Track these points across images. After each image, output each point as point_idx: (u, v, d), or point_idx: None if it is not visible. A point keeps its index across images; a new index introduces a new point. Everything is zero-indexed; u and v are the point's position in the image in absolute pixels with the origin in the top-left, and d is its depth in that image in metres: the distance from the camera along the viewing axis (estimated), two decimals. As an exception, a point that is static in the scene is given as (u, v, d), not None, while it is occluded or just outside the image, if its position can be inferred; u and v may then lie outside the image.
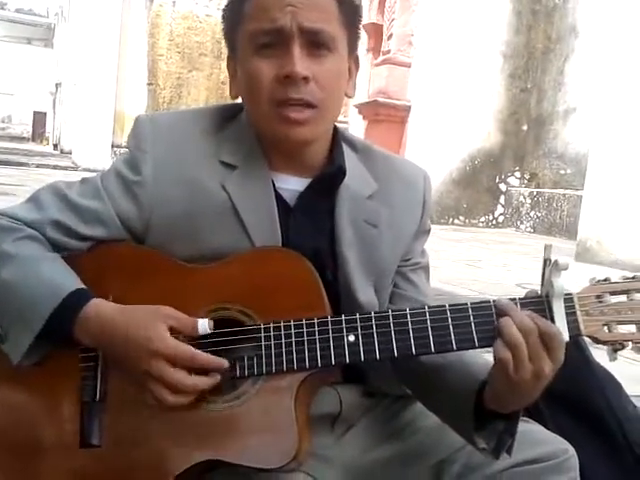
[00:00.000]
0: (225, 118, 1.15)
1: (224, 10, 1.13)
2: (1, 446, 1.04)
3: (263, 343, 0.99)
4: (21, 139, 32.37)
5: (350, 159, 1.15)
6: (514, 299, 0.99)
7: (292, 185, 1.12)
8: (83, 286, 1.02)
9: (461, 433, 1.05)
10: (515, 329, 0.93)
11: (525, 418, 1.13)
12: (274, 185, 1.11)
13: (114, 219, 1.08)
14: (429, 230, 1.24)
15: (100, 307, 1.00)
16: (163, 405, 0.96)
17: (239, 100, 1.14)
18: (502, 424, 1.00)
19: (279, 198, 1.10)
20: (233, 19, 1.10)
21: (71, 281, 1.02)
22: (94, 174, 1.19)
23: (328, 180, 1.12)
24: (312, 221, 1.12)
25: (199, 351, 0.97)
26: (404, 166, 1.23)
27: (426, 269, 1.24)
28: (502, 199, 10.68)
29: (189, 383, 0.96)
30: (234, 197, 1.08)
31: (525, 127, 10.69)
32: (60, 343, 1.01)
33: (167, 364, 0.95)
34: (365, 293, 1.12)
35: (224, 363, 0.98)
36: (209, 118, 1.15)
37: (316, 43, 1.04)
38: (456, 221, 10.39)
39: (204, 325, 0.98)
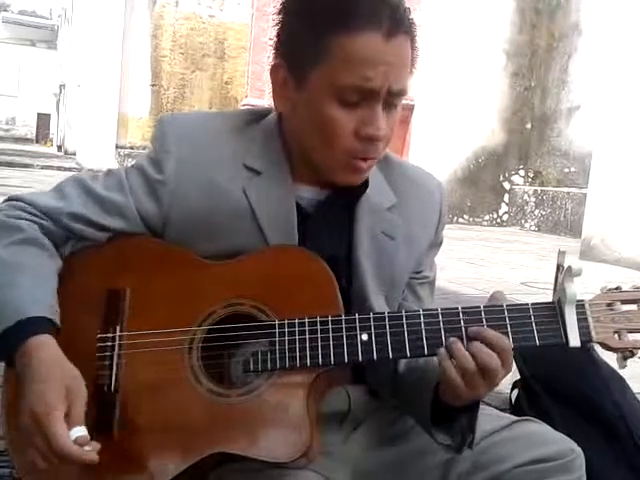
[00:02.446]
0: (249, 122, 1.15)
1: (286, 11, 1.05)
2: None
3: (277, 339, 1.01)
4: (25, 140, 32.43)
5: (371, 171, 1.15)
6: (526, 305, 1.00)
7: (312, 195, 1.13)
8: (46, 314, 0.98)
9: (426, 430, 1.07)
10: (466, 355, 0.95)
11: (532, 418, 1.15)
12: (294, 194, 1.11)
13: (135, 214, 1.10)
14: (441, 242, 1.25)
15: (42, 347, 0.95)
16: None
17: (273, 113, 1.14)
18: (465, 420, 1.02)
19: (298, 206, 1.11)
20: (308, 43, 1.00)
21: (38, 305, 0.98)
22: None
23: (349, 193, 1.12)
24: (330, 229, 1.13)
25: (71, 445, 0.88)
26: (421, 177, 1.23)
27: (432, 284, 1.25)
28: (506, 197, 10.66)
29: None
30: (254, 202, 1.09)
31: (529, 125, 10.67)
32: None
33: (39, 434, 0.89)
34: (377, 302, 1.13)
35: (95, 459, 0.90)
36: (234, 121, 1.15)
37: (394, 102, 1.04)
38: (460, 220, 10.37)
39: (75, 434, 0.90)
